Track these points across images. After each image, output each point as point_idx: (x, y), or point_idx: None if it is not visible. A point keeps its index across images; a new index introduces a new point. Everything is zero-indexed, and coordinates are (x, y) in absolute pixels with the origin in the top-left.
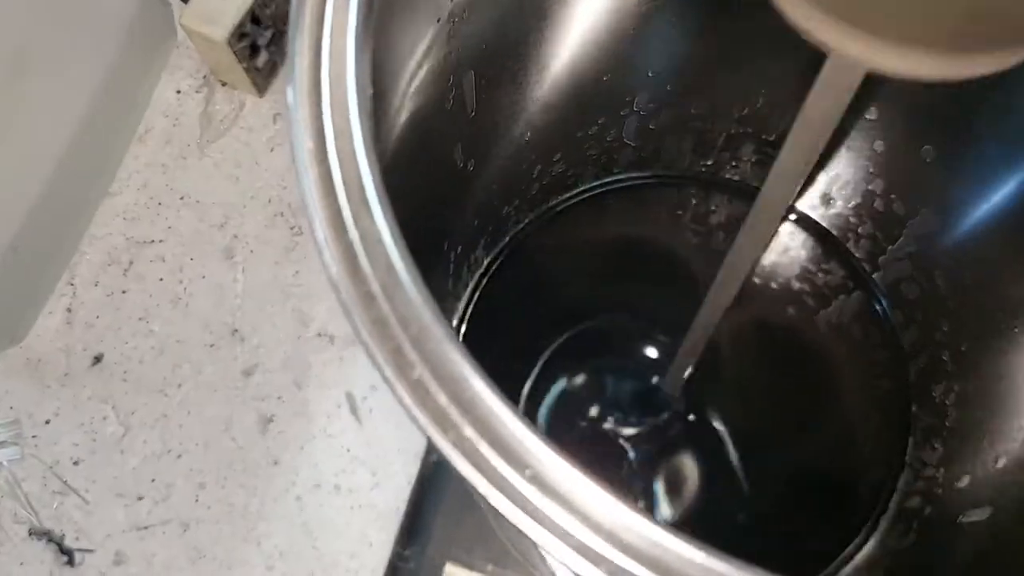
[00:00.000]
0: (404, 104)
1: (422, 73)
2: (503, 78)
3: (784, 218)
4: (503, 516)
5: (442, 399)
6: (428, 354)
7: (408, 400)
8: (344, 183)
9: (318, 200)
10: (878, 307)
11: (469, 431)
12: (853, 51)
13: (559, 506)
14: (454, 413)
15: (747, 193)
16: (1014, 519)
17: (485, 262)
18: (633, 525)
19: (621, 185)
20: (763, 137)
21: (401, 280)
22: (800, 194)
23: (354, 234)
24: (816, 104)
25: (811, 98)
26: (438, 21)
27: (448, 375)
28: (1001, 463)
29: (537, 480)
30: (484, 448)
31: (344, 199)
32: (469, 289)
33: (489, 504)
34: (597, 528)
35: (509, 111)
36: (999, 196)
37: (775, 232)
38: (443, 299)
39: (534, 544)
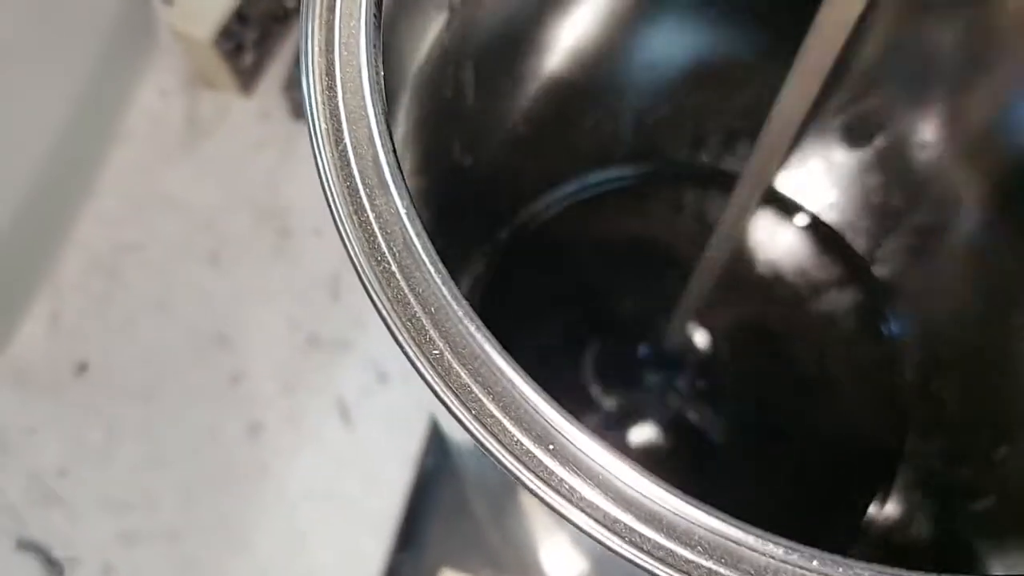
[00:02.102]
0: (408, 95)
1: (426, 64)
2: (501, 70)
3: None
4: (524, 491)
5: (464, 376)
6: (448, 332)
7: (431, 377)
8: (359, 164)
9: (336, 180)
10: (876, 300)
11: (492, 407)
12: None
13: (582, 480)
14: (476, 389)
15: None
16: (1018, 508)
17: (482, 259)
18: (657, 496)
19: (618, 184)
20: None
21: (419, 259)
22: (795, 188)
23: (371, 214)
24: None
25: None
26: (445, 10)
27: (469, 353)
28: (1003, 452)
29: (560, 454)
30: (507, 422)
31: (359, 180)
32: (466, 286)
33: (514, 478)
34: (620, 499)
35: (506, 103)
36: (997, 187)
37: (788, 154)
38: None
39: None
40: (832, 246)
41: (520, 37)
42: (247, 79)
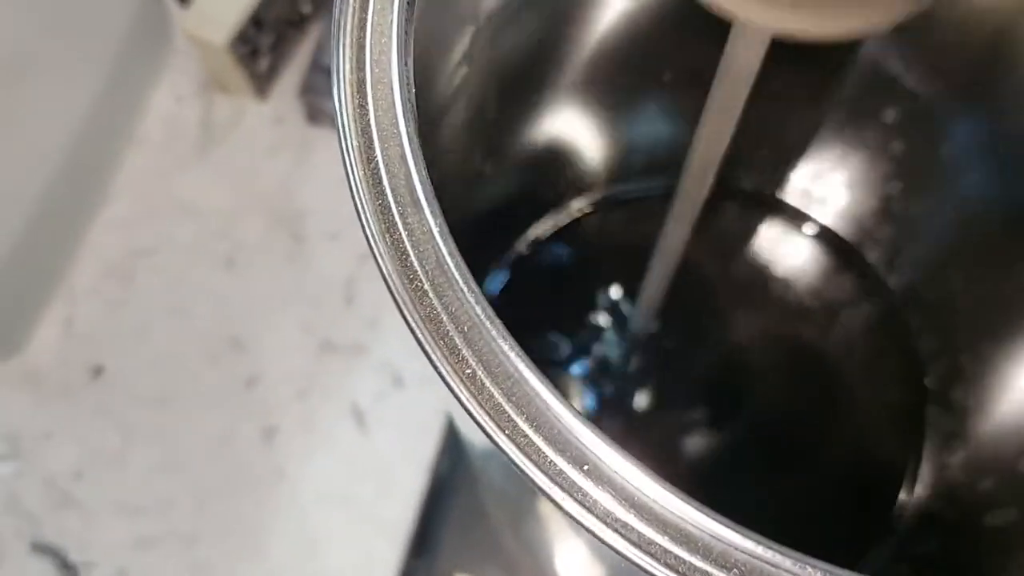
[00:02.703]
0: (435, 108)
1: (451, 76)
2: (523, 82)
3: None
4: (549, 502)
5: (497, 395)
6: (481, 351)
7: (465, 397)
8: (391, 182)
9: (368, 198)
10: (893, 312)
11: (525, 427)
12: (756, 17)
13: (617, 501)
14: (509, 409)
15: (761, 201)
16: None
17: (499, 268)
18: (693, 517)
19: (634, 196)
20: (779, 142)
21: (452, 278)
22: (813, 199)
23: (403, 232)
24: (728, 71)
25: (722, 66)
26: (471, 26)
27: (502, 372)
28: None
29: (594, 475)
30: (540, 443)
31: (391, 198)
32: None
33: (549, 499)
34: (656, 521)
35: (526, 116)
36: (1018, 196)
37: (698, 211)
38: None
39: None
40: (851, 255)
41: (542, 51)
42: (262, 84)
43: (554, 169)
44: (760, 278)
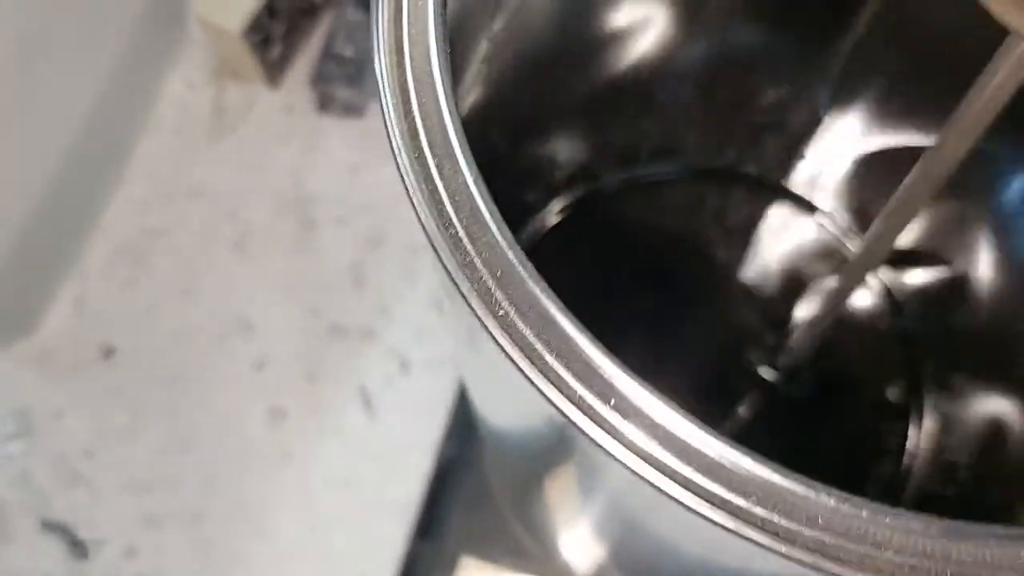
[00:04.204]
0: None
1: (470, 51)
2: (537, 65)
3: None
4: (588, 443)
5: (528, 335)
6: (513, 294)
7: (498, 335)
8: (427, 135)
9: (406, 150)
10: (895, 300)
11: (555, 364)
12: None
13: (643, 433)
14: (540, 348)
15: (767, 187)
16: None
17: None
18: (715, 448)
19: (643, 180)
20: (786, 129)
21: (486, 225)
22: (814, 187)
23: (439, 182)
24: (991, 79)
25: (987, 73)
26: (493, 6)
27: (534, 314)
28: (1021, 443)
29: (620, 408)
30: (569, 378)
31: (427, 150)
32: None
33: (580, 431)
34: (681, 452)
35: (540, 97)
36: (1015, 190)
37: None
38: None
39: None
40: (850, 243)
41: (559, 36)
42: (274, 72)
43: (564, 151)
44: (765, 260)
